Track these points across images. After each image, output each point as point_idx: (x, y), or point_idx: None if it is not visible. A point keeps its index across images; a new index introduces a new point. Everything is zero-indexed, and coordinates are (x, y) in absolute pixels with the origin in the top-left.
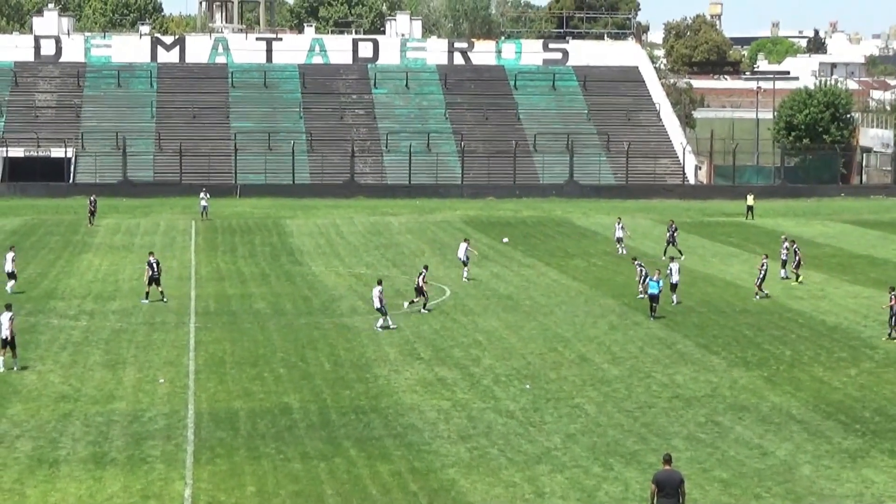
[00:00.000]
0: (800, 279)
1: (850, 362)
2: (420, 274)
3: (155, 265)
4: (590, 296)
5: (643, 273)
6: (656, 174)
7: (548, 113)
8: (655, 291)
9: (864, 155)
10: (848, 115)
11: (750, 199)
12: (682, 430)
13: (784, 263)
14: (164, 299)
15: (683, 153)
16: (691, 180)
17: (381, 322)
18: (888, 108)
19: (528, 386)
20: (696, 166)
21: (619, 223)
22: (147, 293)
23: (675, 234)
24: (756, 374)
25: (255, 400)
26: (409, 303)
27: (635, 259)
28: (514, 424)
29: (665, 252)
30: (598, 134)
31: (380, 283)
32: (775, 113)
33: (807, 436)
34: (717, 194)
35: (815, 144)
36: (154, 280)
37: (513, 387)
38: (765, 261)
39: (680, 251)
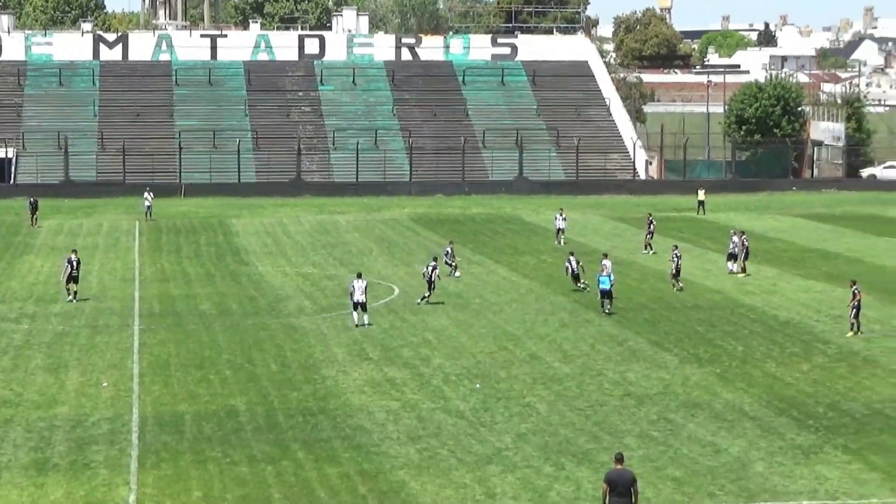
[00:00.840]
0: (745, 272)
1: (803, 357)
2: (432, 267)
3: (75, 263)
4: (540, 293)
5: (570, 268)
6: (606, 170)
7: (496, 108)
8: (606, 287)
9: (816, 148)
10: (799, 109)
11: (701, 194)
12: (635, 429)
13: (732, 257)
14: (74, 299)
15: (634, 148)
16: (642, 175)
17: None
18: (839, 101)
19: (478, 385)
20: (647, 161)
21: (559, 214)
22: (69, 290)
23: (653, 228)
24: (708, 370)
25: (200, 403)
26: (422, 298)
27: (572, 254)
28: (464, 424)
29: (645, 246)
30: (548, 129)
31: (360, 275)
32: (726, 107)
33: (760, 432)
34: (667, 189)
35: (766, 138)
36: (73, 278)
37: (463, 386)
38: (675, 251)
39: (650, 245)
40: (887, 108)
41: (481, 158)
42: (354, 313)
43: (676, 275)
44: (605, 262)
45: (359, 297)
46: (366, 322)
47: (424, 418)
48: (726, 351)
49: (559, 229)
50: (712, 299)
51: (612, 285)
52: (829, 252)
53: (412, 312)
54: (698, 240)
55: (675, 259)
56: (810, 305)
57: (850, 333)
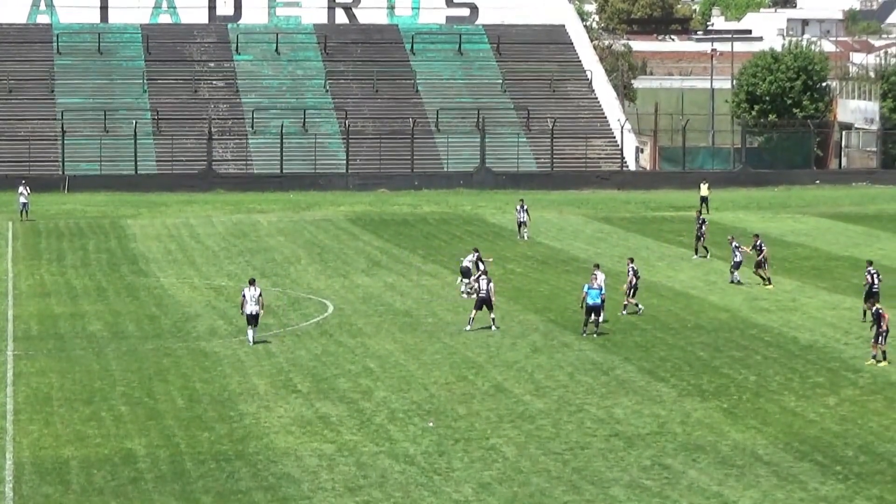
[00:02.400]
0: (767, 282)
1: (829, 389)
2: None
3: None
4: (507, 310)
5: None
6: (588, 159)
7: (453, 84)
8: (597, 301)
9: (844, 133)
10: (824, 84)
11: (704, 189)
12: (623, 476)
13: (737, 265)
14: None
15: (622, 132)
16: (631, 166)
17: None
18: (872, 74)
19: (431, 424)
20: (638, 148)
21: (521, 205)
22: None
23: (705, 229)
24: (713, 405)
25: (90, 446)
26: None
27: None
28: (414, 472)
29: (696, 251)
30: (516, 109)
31: (252, 282)
32: (734, 82)
33: (776, 481)
34: (663, 183)
35: (784, 120)
36: None
37: (413, 425)
38: (631, 266)
39: (706, 248)
40: None
41: (434, 145)
42: (249, 330)
43: (633, 292)
44: (596, 272)
45: (251, 308)
46: (251, 338)
47: (365, 464)
48: (735, 381)
49: (521, 223)
50: (718, 318)
51: (603, 300)
52: (860, 260)
53: (350, 334)
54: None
55: (632, 273)
56: (838, 325)
57: (869, 361)
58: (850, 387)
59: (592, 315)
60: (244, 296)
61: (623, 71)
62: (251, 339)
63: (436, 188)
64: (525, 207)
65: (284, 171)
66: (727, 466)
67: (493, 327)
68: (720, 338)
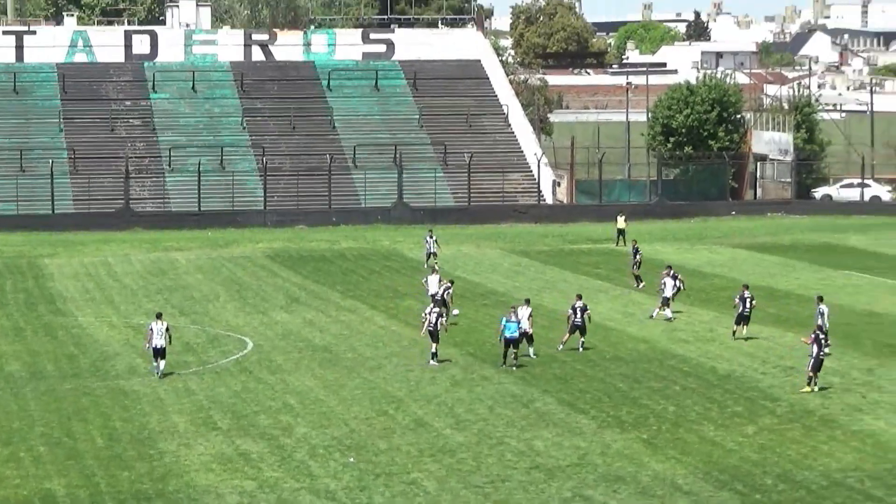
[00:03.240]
0: (666, 314)
1: (747, 418)
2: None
3: None
4: (427, 344)
5: (674, 283)
6: (505, 193)
7: (370, 120)
8: (514, 335)
9: (759, 164)
10: (738, 116)
11: (621, 222)
12: None
13: (666, 301)
14: None
15: (538, 166)
16: (548, 199)
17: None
18: (786, 105)
19: (352, 459)
20: (555, 182)
21: (429, 235)
22: None
23: (639, 258)
24: (633, 435)
25: (8, 487)
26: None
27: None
28: None
29: (637, 281)
30: (433, 144)
31: (159, 316)
32: (650, 114)
33: None
34: (580, 216)
35: (700, 152)
36: None
37: (333, 461)
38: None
39: (639, 278)
40: (844, 115)
41: (352, 181)
42: (156, 363)
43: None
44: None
45: (157, 341)
46: (160, 369)
47: (287, 501)
48: (654, 412)
49: (430, 253)
50: (636, 349)
51: (521, 333)
52: (776, 290)
53: (270, 371)
54: (618, 277)
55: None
56: (755, 355)
57: (807, 389)
58: (768, 415)
59: (511, 347)
60: (151, 329)
61: (539, 105)
62: (159, 371)
63: (353, 224)
64: (434, 238)
65: (202, 208)
66: (647, 497)
67: (432, 361)
68: (639, 369)
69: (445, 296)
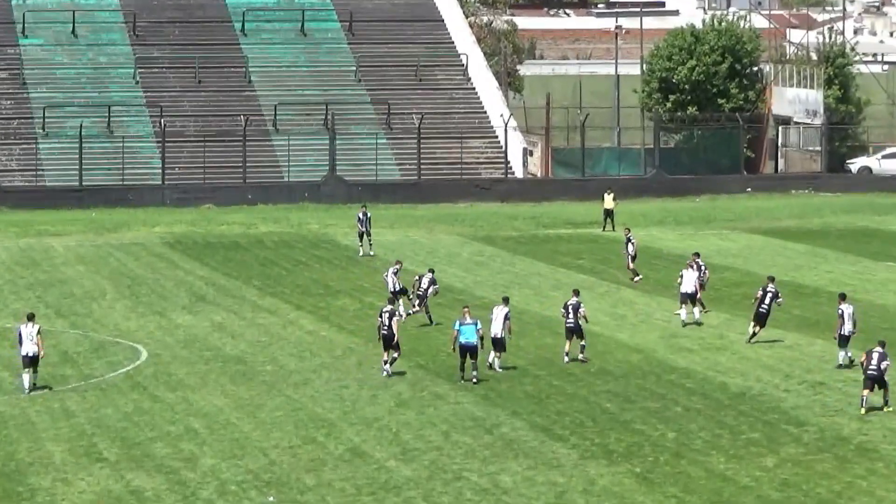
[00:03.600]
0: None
1: (766, 447)
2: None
3: None
4: (366, 354)
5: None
6: (464, 164)
7: (295, 72)
8: (472, 340)
9: (781, 129)
10: (755, 69)
11: (608, 201)
12: None
13: (686, 298)
14: None
15: (505, 131)
16: (518, 173)
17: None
18: (814, 56)
19: (271, 498)
20: (526, 151)
21: (363, 212)
22: None
23: (633, 248)
24: (623, 469)
25: None
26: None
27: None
28: None
29: (634, 273)
30: (374, 103)
31: (31, 318)
32: (644, 66)
33: None
34: (557, 193)
35: (707, 114)
36: None
37: (248, 500)
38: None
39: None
40: (886, 68)
41: (272, 149)
42: (25, 374)
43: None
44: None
45: (28, 348)
46: (27, 385)
47: None
48: (650, 439)
49: (362, 232)
50: (628, 361)
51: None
52: (803, 286)
53: (169, 387)
54: (605, 270)
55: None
56: (777, 368)
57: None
58: (792, 444)
59: (469, 357)
60: (20, 334)
61: (506, 55)
62: (27, 385)
63: (274, 203)
64: (368, 216)
65: (84, 183)
66: None
67: (385, 371)
68: (631, 385)
69: (429, 289)
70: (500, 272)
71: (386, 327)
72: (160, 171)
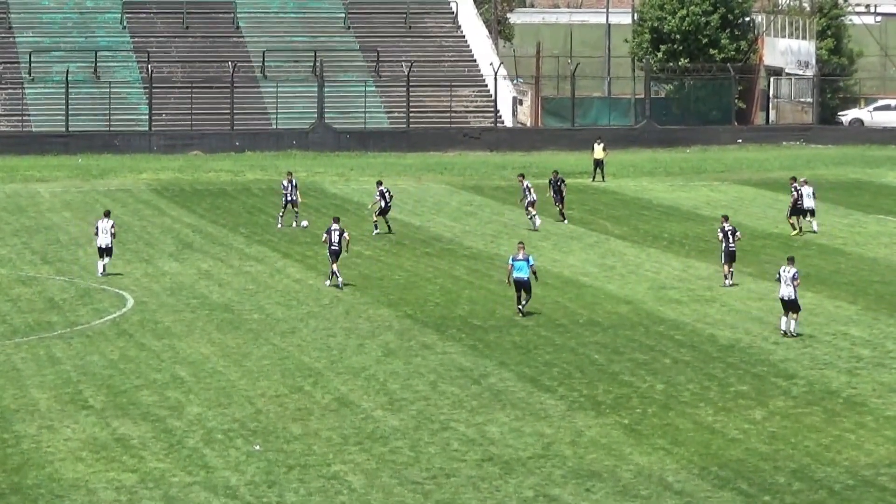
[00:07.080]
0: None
1: (755, 400)
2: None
3: None
4: (352, 303)
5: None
6: (454, 113)
7: (283, 18)
8: (524, 275)
9: (772, 80)
10: (747, 19)
11: (598, 151)
12: None
13: (805, 212)
14: None
15: (495, 79)
16: (507, 122)
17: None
18: (807, 6)
19: (258, 447)
20: (516, 100)
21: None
22: None
23: (562, 186)
24: (611, 420)
25: None
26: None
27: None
28: None
29: (561, 214)
30: (363, 51)
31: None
32: (635, 15)
33: None
34: (547, 143)
35: (698, 64)
36: None
37: (235, 449)
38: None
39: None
40: (880, 19)
41: (260, 96)
42: (100, 262)
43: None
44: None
45: (102, 240)
46: (104, 270)
47: (176, 498)
48: (638, 391)
49: (290, 202)
50: (617, 312)
51: (534, 272)
52: (794, 239)
53: (155, 335)
54: (595, 220)
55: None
56: (766, 321)
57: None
58: (781, 397)
59: (523, 291)
60: (97, 227)
61: (497, 2)
62: (101, 271)
63: (262, 150)
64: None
65: (71, 129)
66: (629, 497)
67: (336, 284)
68: (620, 337)
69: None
70: (488, 222)
71: (335, 244)
72: (147, 117)
